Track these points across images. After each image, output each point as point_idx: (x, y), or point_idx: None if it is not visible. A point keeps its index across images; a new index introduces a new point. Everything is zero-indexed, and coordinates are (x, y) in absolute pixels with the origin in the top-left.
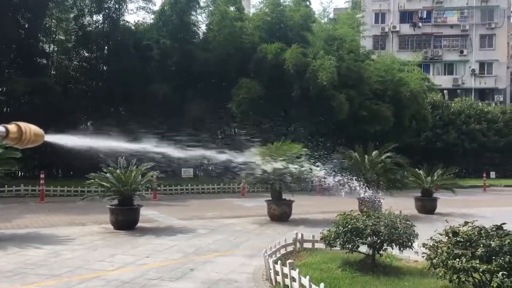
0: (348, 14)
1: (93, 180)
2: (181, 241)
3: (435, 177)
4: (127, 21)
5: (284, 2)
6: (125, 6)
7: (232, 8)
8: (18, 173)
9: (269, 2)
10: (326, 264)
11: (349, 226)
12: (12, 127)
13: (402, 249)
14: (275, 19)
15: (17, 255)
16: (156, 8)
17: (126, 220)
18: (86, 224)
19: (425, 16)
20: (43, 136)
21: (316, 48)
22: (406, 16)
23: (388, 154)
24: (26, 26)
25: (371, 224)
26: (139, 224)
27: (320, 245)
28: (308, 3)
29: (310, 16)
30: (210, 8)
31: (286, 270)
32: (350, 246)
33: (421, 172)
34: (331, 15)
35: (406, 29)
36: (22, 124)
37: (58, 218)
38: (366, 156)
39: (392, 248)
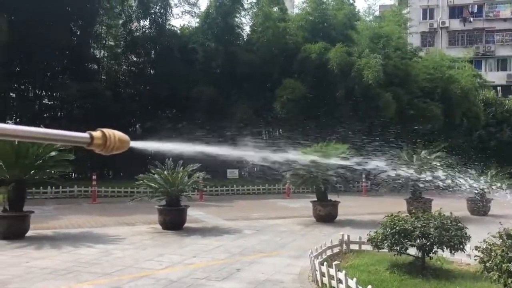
0: (394, 11)
1: (141, 181)
2: (227, 242)
3: (489, 178)
4: (172, 25)
5: (327, 1)
6: (170, 10)
7: (275, 9)
8: (72, 174)
9: (312, 1)
10: (373, 266)
11: (397, 228)
12: (96, 133)
13: (453, 251)
14: (318, 19)
15: (71, 254)
16: (201, 12)
17: (173, 220)
18: (136, 224)
19: (476, 11)
20: (128, 142)
21: (361, 46)
22: (455, 11)
23: (438, 153)
24: (78, 33)
25: (420, 225)
26: (186, 224)
27: (367, 247)
28: (351, 1)
29: (354, 14)
30: (254, 10)
31: (332, 271)
32: (398, 248)
33: (473, 172)
34: (377, 13)
35: (456, 24)
36: (107, 131)
37: (109, 218)
38: (414, 156)
39: (443, 251)
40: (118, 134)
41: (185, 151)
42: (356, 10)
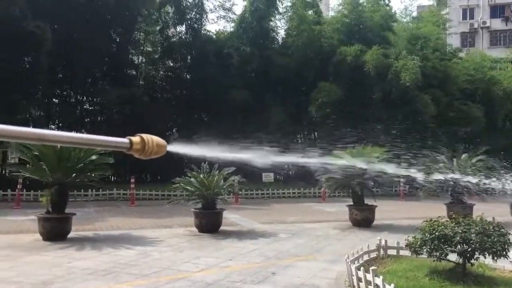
0: (432, 12)
1: (178, 185)
2: (263, 245)
3: None
4: (208, 31)
5: (363, 3)
6: (206, 16)
7: (310, 12)
8: (111, 177)
9: (347, 3)
10: (412, 272)
11: (437, 233)
12: (135, 139)
13: (495, 258)
14: (354, 21)
15: (110, 255)
16: (236, 16)
17: (209, 223)
18: (173, 226)
19: None
20: (165, 146)
21: (398, 48)
22: (497, 10)
23: (479, 157)
24: (117, 40)
25: (460, 231)
26: (222, 227)
27: (405, 253)
28: (387, 2)
29: (391, 15)
30: (289, 14)
31: (369, 276)
32: (437, 254)
33: None
34: (414, 14)
35: (497, 24)
36: (145, 136)
37: (147, 221)
38: (454, 159)
39: (485, 257)
40: (156, 139)
41: (221, 156)
42: (393, 11)
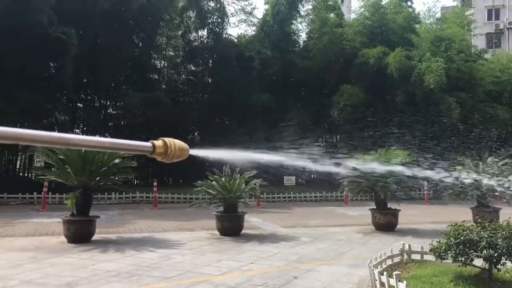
0: (456, 13)
1: (200, 188)
2: (284, 249)
3: None
4: (229, 34)
5: (386, 5)
6: (227, 20)
7: (332, 15)
8: (134, 181)
9: (369, 5)
10: (436, 278)
11: (462, 238)
12: (158, 142)
13: None
14: (376, 23)
15: (133, 257)
16: (257, 20)
17: (231, 226)
18: (195, 229)
19: None
20: (187, 150)
21: (422, 50)
22: None
23: (506, 160)
24: (140, 45)
25: (486, 236)
26: (243, 231)
27: (430, 257)
28: (410, 3)
29: (414, 17)
30: (310, 16)
31: (392, 281)
32: (463, 259)
33: None
34: (438, 15)
35: None
36: (167, 139)
37: (169, 224)
38: (480, 162)
39: None
40: (178, 142)
41: (242, 159)
42: (416, 13)
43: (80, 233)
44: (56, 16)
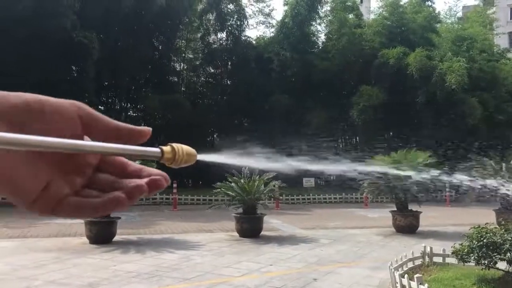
0: (478, 12)
1: (219, 190)
2: (304, 251)
3: None
4: (248, 36)
5: (405, 5)
6: (246, 22)
7: (350, 16)
8: None
9: (387, 5)
10: (459, 281)
11: (485, 240)
12: (166, 148)
13: None
14: (396, 23)
15: (154, 258)
16: (275, 22)
17: (250, 228)
18: (214, 231)
19: None
20: (195, 155)
21: (443, 50)
22: None
23: None
24: (160, 48)
25: (510, 238)
26: (262, 232)
27: (452, 260)
28: (430, 3)
29: (435, 16)
30: (329, 17)
31: (414, 284)
32: (486, 262)
33: None
34: (459, 14)
35: None
36: (175, 145)
37: (189, 225)
38: (503, 164)
39: None
40: (186, 148)
41: (259, 165)
42: (436, 12)
43: (102, 234)
44: (79, 20)
